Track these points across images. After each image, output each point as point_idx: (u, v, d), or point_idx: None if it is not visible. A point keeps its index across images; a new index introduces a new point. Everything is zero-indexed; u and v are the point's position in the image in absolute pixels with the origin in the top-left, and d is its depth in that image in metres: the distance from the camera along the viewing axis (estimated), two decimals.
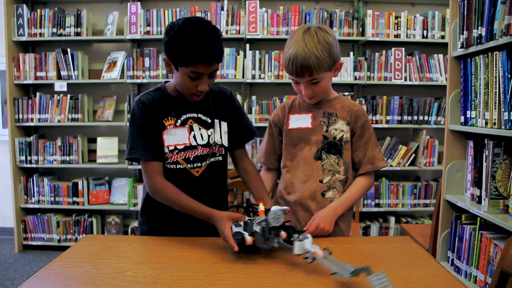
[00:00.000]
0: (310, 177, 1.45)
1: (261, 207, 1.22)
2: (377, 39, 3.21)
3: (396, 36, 3.23)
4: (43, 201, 3.35)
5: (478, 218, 1.85)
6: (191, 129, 1.37)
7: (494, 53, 1.70)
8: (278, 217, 1.15)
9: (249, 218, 1.20)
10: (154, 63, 3.25)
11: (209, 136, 1.39)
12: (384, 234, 3.34)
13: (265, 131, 1.61)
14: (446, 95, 2.14)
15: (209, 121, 1.40)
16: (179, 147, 1.35)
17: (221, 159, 1.43)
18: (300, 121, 1.48)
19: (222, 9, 3.21)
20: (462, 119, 2.01)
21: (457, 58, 2.05)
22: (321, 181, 1.45)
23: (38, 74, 3.31)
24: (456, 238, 2.00)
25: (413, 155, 3.27)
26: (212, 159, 1.41)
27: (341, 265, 1.00)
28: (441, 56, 3.24)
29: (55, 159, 3.32)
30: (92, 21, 3.38)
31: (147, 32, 3.22)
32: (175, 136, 1.35)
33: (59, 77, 3.30)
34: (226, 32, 3.20)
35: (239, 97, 3.26)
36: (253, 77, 3.22)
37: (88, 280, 1.04)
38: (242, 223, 1.18)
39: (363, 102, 3.23)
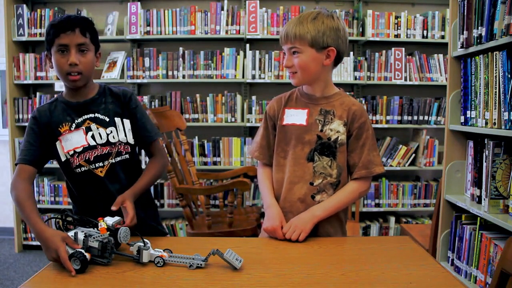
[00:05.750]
0: (301, 178, 1.39)
1: (103, 225, 1.14)
2: (377, 39, 3.21)
3: (396, 36, 3.23)
4: (43, 201, 3.35)
5: (478, 218, 1.85)
6: (88, 129, 1.38)
7: (494, 53, 1.70)
8: (127, 234, 1.16)
9: (84, 232, 1.15)
10: (154, 63, 3.25)
11: (107, 134, 1.40)
12: (384, 234, 3.34)
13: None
14: (446, 95, 2.14)
15: (107, 119, 1.41)
16: (77, 150, 1.37)
17: (127, 157, 1.44)
18: (295, 116, 1.41)
19: (222, 9, 3.21)
20: (462, 119, 2.01)
21: (457, 58, 2.05)
22: (311, 184, 1.38)
23: (38, 74, 3.31)
24: (456, 238, 2.00)
25: (413, 155, 3.27)
26: (119, 158, 1.42)
27: (190, 257, 1.11)
28: (441, 56, 3.24)
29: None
30: (92, 21, 3.38)
31: (147, 32, 3.22)
32: (71, 141, 1.37)
33: None
34: (226, 32, 3.20)
35: (239, 97, 3.26)
36: (253, 77, 3.22)
37: (88, 280, 1.04)
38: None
39: (363, 102, 3.23)
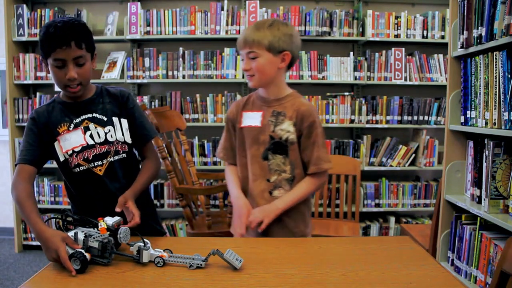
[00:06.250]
0: (258, 176, 1.50)
1: (102, 225, 1.15)
2: (377, 39, 3.21)
3: (396, 36, 3.23)
4: (43, 201, 3.35)
5: (478, 218, 1.85)
6: (86, 129, 1.39)
7: (494, 53, 1.70)
8: (127, 235, 1.16)
9: (84, 232, 1.16)
10: (154, 63, 3.25)
11: (106, 133, 1.41)
12: (384, 234, 3.34)
13: None
14: (446, 95, 2.14)
15: (105, 119, 1.42)
16: (76, 149, 1.38)
17: (125, 156, 1.45)
18: (251, 119, 1.51)
19: (222, 9, 3.20)
20: (462, 119, 2.01)
21: (457, 58, 2.05)
22: (268, 180, 1.49)
23: (38, 74, 3.31)
24: (456, 238, 2.00)
25: (413, 155, 3.27)
26: (117, 157, 1.43)
27: (190, 257, 1.11)
28: (441, 56, 3.24)
29: None
30: (92, 21, 3.38)
31: (147, 32, 3.22)
32: (70, 141, 1.38)
33: None
34: (226, 32, 3.20)
35: (239, 97, 3.26)
36: None
37: (88, 280, 1.04)
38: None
39: (363, 102, 3.23)
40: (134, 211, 1.28)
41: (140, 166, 1.53)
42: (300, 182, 1.49)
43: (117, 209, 1.28)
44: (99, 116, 1.41)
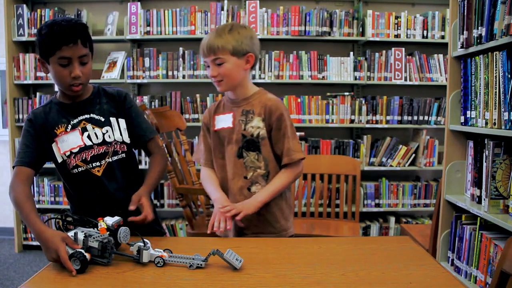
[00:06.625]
0: (236, 174, 1.54)
1: (102, 225, 1.15)
2: (377, 39, 3.21)
3: (396, 36, 3.23)
4: (43, 201, 3.35)
5: (478, 218, 1.85)
6: (84, 130, 1.39)
7: (494, 53, 1.70)
8: (127, 235, 1.17)
9: (84, 232, 1.16)
10: (154, 63, 3.25)
11: (103, 134, 1.41)
12: (384, 234, 3.34)
13: None
14: (446, 95, 2.14)
15: (103, 119, 1.42)
16: (74, 150, 1.37)
17: (124, 156, 1.45)
18: (223, 121, 1.56)
19: (222, 9, 3.21)
20: (462, 119, 2.01)
21: (457, 58, 2.05)
22: (245, 177, 1.53)
23: (38, 74, 3.31)
24: (456, 238, 2.00)
25: (413, 155, 3.27)
26: (115, 158, 1.43)
27: (190, 257, 1.11)
28: (441, 56, 3.24)
29: None
30: (92, 21, 3.38)
31: (147, 32, 3.22)
32: (68, 142, 1.38)
33: None
34: None
35: None
36: (253, 77, 3.22)
37: (88, 280, 1.04)
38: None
39: (363, 102, 3.23)
40: (144, 208, 1.29)
41: (138, 166, 1.54)
42: (277, 175, 1.53)
43: (131, 208, 1.28)
44: (96, 117, 1.41)
